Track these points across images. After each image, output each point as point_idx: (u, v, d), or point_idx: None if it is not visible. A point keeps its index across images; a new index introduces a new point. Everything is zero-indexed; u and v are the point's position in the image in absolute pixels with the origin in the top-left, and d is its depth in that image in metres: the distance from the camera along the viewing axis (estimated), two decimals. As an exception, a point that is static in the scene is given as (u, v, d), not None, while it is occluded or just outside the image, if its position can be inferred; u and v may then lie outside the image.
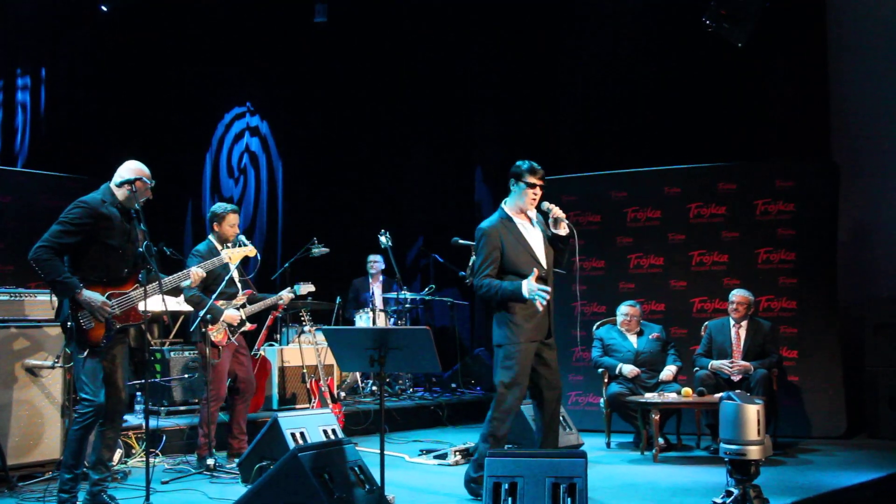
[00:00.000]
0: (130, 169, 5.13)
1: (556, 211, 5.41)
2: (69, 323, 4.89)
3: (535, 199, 5.41)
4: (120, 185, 5.09)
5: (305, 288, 7.20)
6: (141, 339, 8.23)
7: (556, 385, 5.50)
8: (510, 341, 5.33)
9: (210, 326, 6.36)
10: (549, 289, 5.25)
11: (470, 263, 7.72)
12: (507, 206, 5.52)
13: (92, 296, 4.87)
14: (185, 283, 5.58)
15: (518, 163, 5.45)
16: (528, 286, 5.17)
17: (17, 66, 9.18)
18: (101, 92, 9.76)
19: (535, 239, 5.46)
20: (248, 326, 6.67)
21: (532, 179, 5.37)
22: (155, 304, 6.98)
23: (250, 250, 6.29)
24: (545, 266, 5.41)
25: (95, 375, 4.91)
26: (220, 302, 6.44)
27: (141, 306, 5.09)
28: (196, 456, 6.53)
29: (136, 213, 5.10)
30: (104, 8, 9.32)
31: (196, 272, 5.60)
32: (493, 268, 5.35)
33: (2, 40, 8.97)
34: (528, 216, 5.51)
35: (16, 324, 5.94)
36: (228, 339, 6.49)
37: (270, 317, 8.19)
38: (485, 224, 5.46)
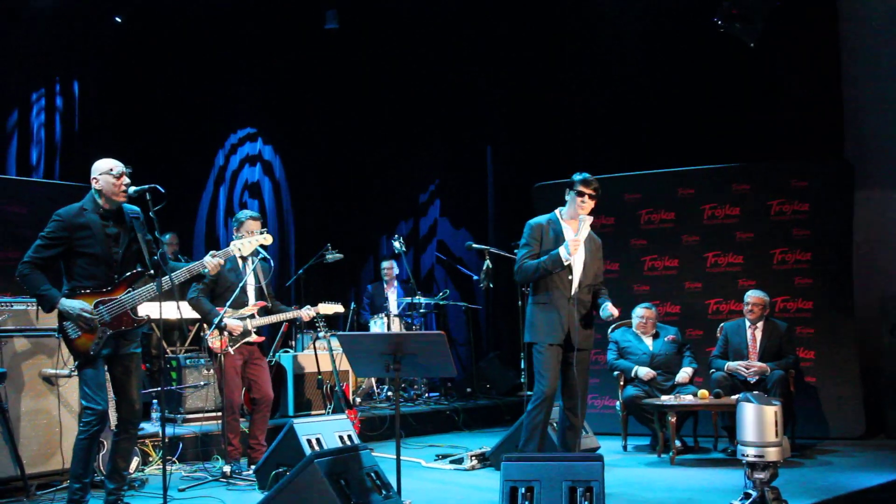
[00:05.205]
0: (95, 169, 5.04)
1: (585, 225, 5.66)
2: (57, 334, 4.94)
3: (583, 207, 5.65)
4: (98, 188, 5.01)
5: (331, 308, 7.04)
6: (159, 346, 8.31)
7: (574, 394, 5.70)
8: (533, 340, 5.71)
9: (210, 332, 6.38)
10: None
11: (484, 268, 7.77)
12: (560, 212, 5.81)
13: (71, 305, 4.82)
14: (205, 270, 5.32)
15: (574, 174, 5.75)
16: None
17: (33, 78, 9.24)
18: (116, 102, 9.81)
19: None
20: (254, 338, 6.55)
21: (581, 188, 5.65)
22: (170, 311, 7.02)
23: (265, 238, 5.86)
24: (579, 276, 5.66)
25: (97, 382, 4.88)
26: (229, 311, 6.45)
27: (141, 311, 5.04)
28: (224, 462, 6.55)
29: (150, 222, 5.04)
30: (118, 19, 9.39)
31: (212, 261, 5.30)
32: (532, 258, 5.68)
33: (18, 52, 9.02)
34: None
35: (33, 333, 5.98)
36: (227, 348, 6.41)
37: (285, 324, 8.19)
38: (532, 220, 5.82)
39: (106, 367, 5.02)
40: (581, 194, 5.63)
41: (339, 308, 7.10)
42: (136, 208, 5.12)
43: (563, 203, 5.80)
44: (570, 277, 5.61)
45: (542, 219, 5.79)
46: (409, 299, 9.96)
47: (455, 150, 11.81)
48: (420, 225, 12.13)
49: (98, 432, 4.92)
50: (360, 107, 11.70)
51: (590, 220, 5.67)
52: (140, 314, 5.02)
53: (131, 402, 5.07)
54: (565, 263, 5.53)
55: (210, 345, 6.42)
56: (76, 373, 5.86)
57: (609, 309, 5.66)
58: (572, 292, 5.62)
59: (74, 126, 9.49)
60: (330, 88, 11.52)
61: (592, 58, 10.68)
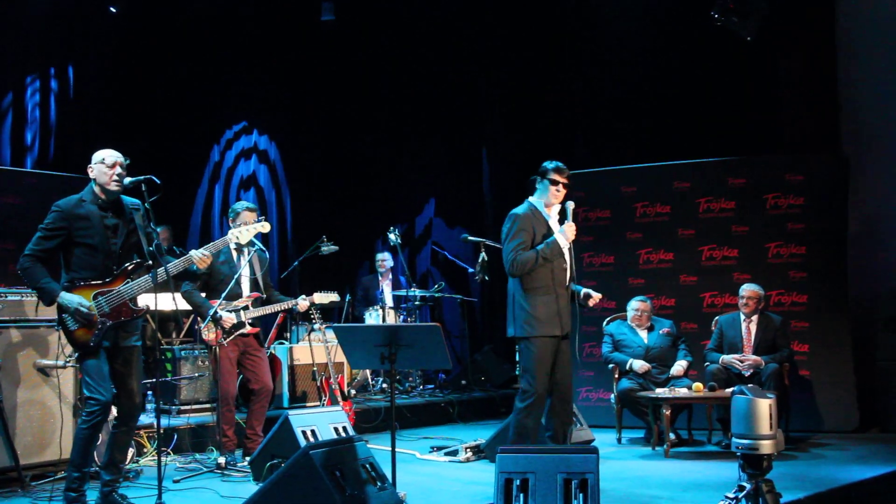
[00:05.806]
0: (91, 159, 5.02)
1: (570, 212, 5.61)
2: (57, 326, 4.95)
3: (557, 195, 5.61)
4: (93, 178, 5.00)
5: (327, 297, 7.08)
6: (154, 338, 8.28)
7: (566, 383, 5.63)
8: (528, 334, 5.49)
9: (204, 325, 6.38)
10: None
11: (479, 260, 7.77)
12: (535, 201, 5.71)
13: (69, 299, 4.82)
14: (194, 268, 5.23)
15: (545, 163, 5.67)
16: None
17: (27, 68, 9.20)
18: (111, 93, 9.78)
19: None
20: (248, 329, 6.54)
21: (556, 177, 5.59)
22: (165, 303, 7.01)
23: (262, 226, 5.72)
24: (567, 261, 5.61)
25: (99, 373, 4.87)
26: (222, 303, 6.43)
27: (140, 301, 5.02)
28: (219, 453, 6.56)
29: (145, 211, 5.05)
30: (113, 9, 9.35)
31: (196, 253, 5.19)
32: (525, 249, 5.54)
33: (12, 42, 8.99)
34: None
35: (27, 324, 5.97)
36: (220, 340, 6.42)
37: (281, 315, 8.18)
38: (516, 210, 5.67)
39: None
40: (555, 183, 5.59)
41: (334, 297, 7.10)
42: (137, 200, 5.12)
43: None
44: (564, 266, 5.59)
45: (524, 208, 5.68)
46: (402, 292, 9.96)
47: (452, 151, 11.77)
48: (416, 224, 12.11)
49: (101, 423, 4.91)
50: (357, 106, 11.67)
51: (573, 205, 5.63)
52: (139, 305, 5.02)
53: (131, 395, 5.07)
54: (563, 251, 5.51)
55: (204, 337, 6.44)
56: (71, 364, 5.89)
57: (592, 296, 5.65)
58: (567, 280, 5.61)
59: (69, 109, 9.46)
60: (327, 88, 11.50)
61: (590, 55, 10.66)
